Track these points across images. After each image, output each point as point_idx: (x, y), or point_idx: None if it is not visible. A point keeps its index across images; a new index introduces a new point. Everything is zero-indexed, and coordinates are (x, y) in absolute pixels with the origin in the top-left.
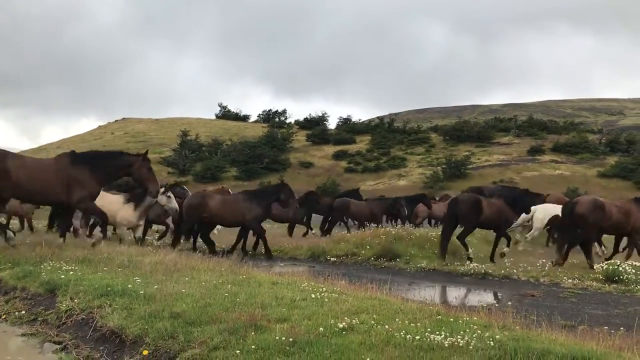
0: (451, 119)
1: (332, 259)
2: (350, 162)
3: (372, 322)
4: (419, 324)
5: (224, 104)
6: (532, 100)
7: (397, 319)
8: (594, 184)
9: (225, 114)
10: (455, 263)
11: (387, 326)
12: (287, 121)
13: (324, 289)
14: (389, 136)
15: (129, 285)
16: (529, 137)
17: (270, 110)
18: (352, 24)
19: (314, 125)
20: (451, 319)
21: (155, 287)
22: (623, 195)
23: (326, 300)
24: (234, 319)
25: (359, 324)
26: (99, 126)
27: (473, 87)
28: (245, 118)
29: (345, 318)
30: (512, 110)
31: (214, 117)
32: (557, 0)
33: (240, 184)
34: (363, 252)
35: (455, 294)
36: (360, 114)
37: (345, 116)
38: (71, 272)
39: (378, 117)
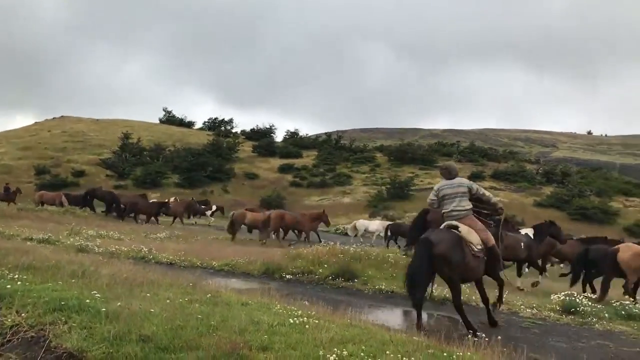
0: (394, 140)
1: (287, 276)
2: (296, 176)
3: (362, 353)
4: (412, 358)
5: (169, 109)
6: (470, 127)
7: (387, 351)
8: (530, 212)
9: (170, 119)
10: None
11: None
12: (233, 131)
13: (300, 312)
14: (336, 153)
15: (87, 300)
16: (470, 163)
17: (216, 119)
18: (302, 41)
19: (261, 137)
20: (444, 354)
21: (118, 303)
22: None
23: (307, 326)
24: (213, 345)
25: (348, 356)
26: (35, 122)
27: (415, 110)
28: (190, 124)
29: (335, 349)
30: (452, 136)
31: (157, 122)
32: (497, 36)
33: (181, 192)
34: (320, 270)
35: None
36: (305, 129)
37: (292, 130)
38: (19, 282)
39: (325, 133)
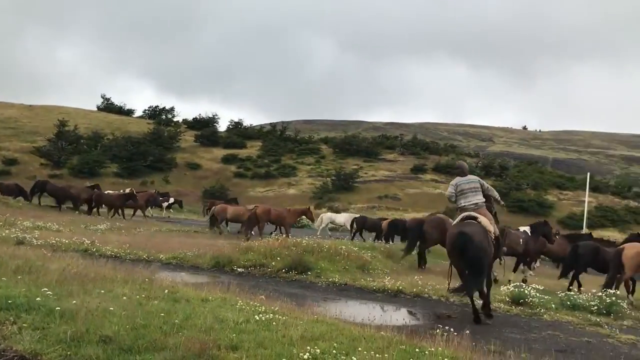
0: (337, 132)
1: (239, 269)
2: (240, 167)
3: (334, 351)
4: (385, 354)
5: (107, 96)
6: (411, 121)
7: (359, 348)
8: None
9: (108, 106)
10: (369, 279)
11: (354, 358)
12: (175, 119)
13: (264, 308)
14: (281, 144)
15: (37, 298)
16: (412, 156)
17: (157, 107)
18: (244, 30)
19: (203, 126)
20: (416, 350)
21: (74, 301)
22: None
23: (274, 323)
24: (180, 345)
25: (321, 354)
26: None
27: (357, 103)
28: (129, 112)
29: (307, 347)
30: (393, 129)
31: (95, 109)
32: (436, 33)
33: (120, 182)
34: (273, 263)
35: (374, 312)
36: (248, 120)
37: (236, 120)
38: None
39: (270, 124)
